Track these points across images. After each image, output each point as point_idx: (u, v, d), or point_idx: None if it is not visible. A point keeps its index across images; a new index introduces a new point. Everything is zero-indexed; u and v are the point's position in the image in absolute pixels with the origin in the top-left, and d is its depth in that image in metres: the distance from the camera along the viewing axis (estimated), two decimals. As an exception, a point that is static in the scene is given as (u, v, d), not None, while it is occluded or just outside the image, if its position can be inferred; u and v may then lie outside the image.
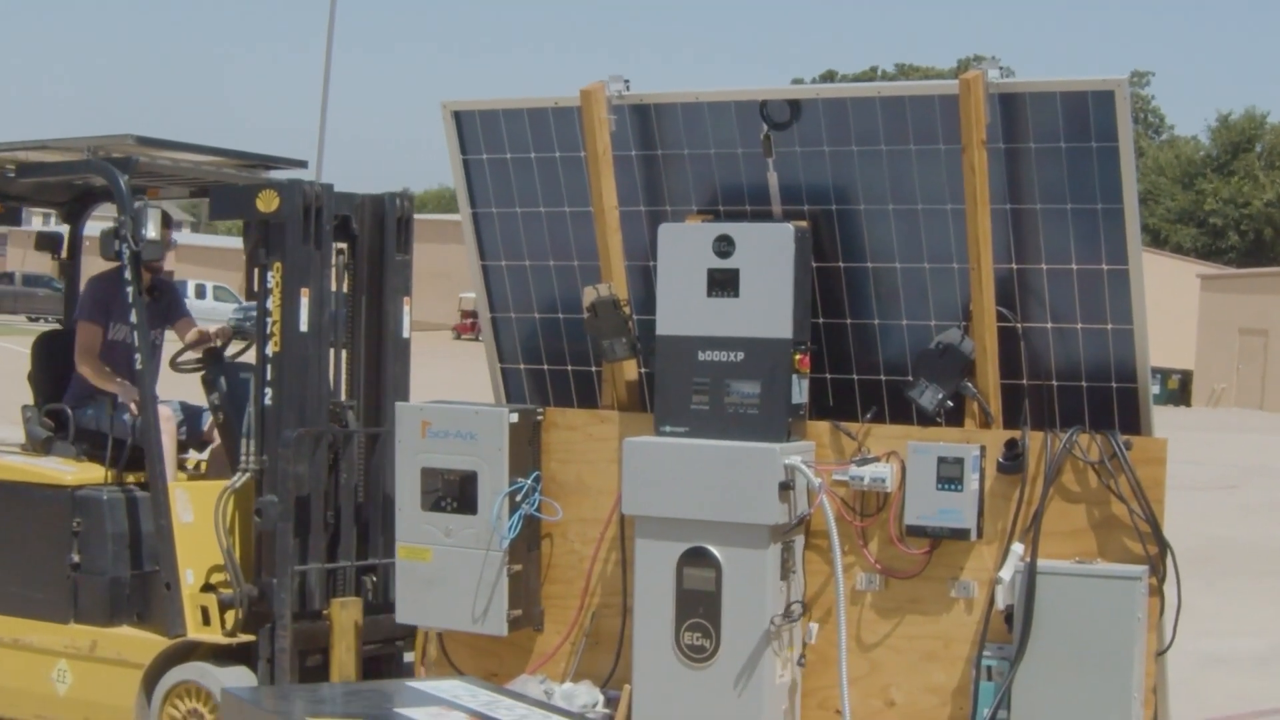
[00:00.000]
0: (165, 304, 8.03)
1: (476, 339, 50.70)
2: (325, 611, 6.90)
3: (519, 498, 7.15)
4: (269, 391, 7.00)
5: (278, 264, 6.96)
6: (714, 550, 6.69)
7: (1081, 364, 6.71)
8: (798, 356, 6.74)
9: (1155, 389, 50.65)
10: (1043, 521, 6.44)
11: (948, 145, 6.61)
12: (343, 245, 7.33)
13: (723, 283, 6.78)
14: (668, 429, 6.87)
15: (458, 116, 7.49)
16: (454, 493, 7.17)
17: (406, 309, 7.39)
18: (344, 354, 7.36)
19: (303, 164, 8.12)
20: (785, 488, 6.59)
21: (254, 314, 7.16)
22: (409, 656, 7.15)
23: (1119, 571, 6.33)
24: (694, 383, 6.83)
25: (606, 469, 7.18)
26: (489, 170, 7.51)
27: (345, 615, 6.77)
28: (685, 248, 6.87)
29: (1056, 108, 6.48)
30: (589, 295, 7.10)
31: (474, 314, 50.91)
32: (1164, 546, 6.35)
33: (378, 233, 7.27)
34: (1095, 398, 6.71)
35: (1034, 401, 6.73)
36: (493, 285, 7.67)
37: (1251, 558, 16.05)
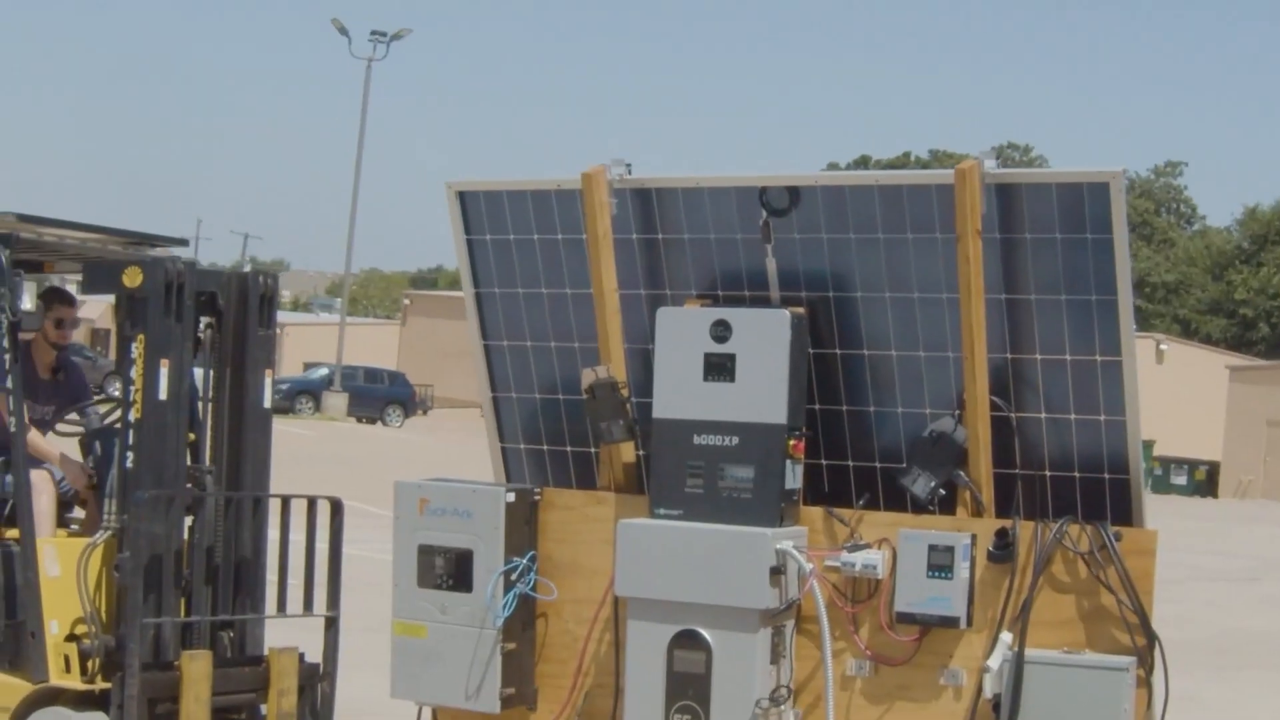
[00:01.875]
0: (71, 385, 8.30)
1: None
2: (177, 663, 7.09)
3: (514, 576, 7.19)
4: (130, 455, 7.30)
5: (141, 336, 7.30)
6: (705, 633, 6.70)
7: (1074, 454, 6.72)
8: (792, 442, 6.78)
9: (1182, 480, 50.62)
10: (1032, 611, 6.45)
11: (944, 234, 6.66)
12: (211, 319, 7.55)
13: (719, 367, 6.83)
14: (662, 511, 6.91)
15: (462, 197, 7.58)
16: (450, 570, 7.22)
17: (268, 381, 7.71)
18: (207, 421, 7.56)
19: (183, 242, 8.49)
20: (777, 572, 6.61)
21: None
22: (264, 709, 7.30)
23: (1106, 662, 6.33)
24: (689, 466, 6.87)
25: (602, 550, 7.20)
26: (492, 250, 7.58)
27: (194, 667, 7.01)
28: (683, 332, 6.93)
29: (1052, 199, 6.53)
30: (588, 377, 7.16)
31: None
32: (1152, 638, 6.34)
33: (241, 309, 7.58)
34: (1087, 488, 6.72)
35: (1026, 491, 6.74)
36: (494, 365, 7.72)
37: (1269, 649, 15.92)
